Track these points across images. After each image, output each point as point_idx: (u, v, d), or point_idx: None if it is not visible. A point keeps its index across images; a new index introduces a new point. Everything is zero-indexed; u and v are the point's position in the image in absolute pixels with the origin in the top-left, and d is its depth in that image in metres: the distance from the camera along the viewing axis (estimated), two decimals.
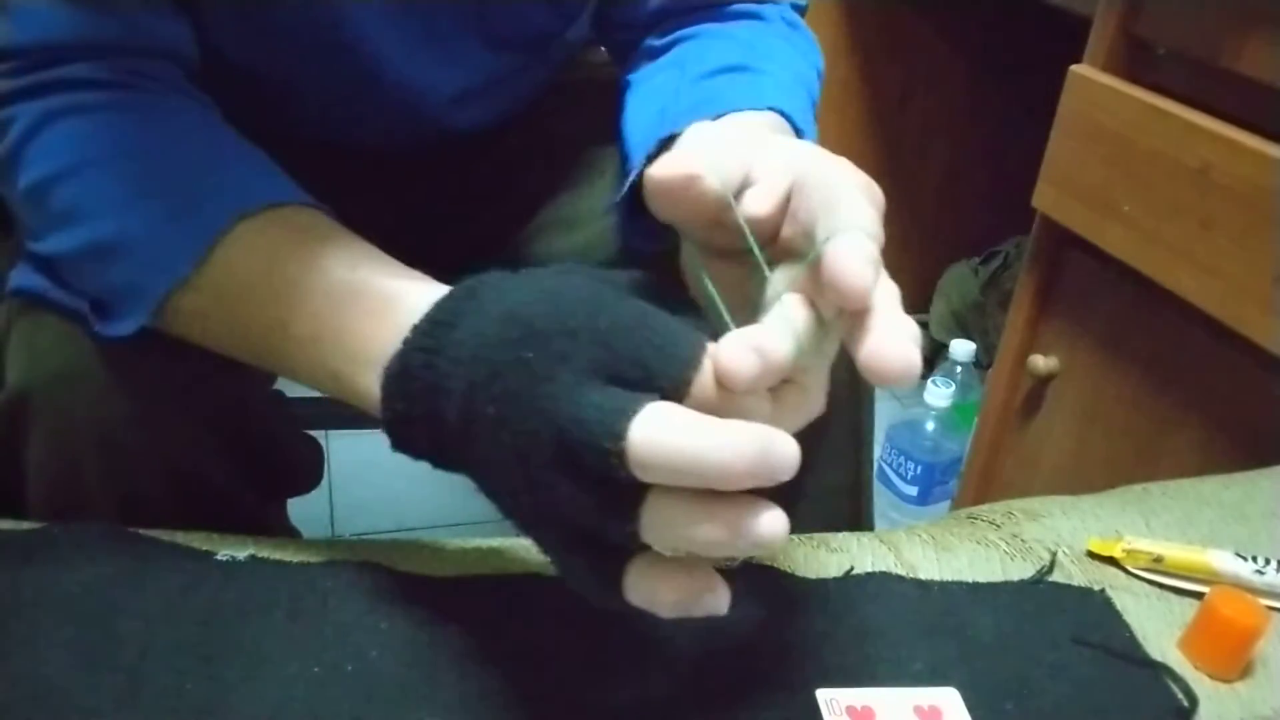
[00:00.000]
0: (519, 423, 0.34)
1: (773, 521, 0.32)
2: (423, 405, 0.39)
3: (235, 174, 0.48)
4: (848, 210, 0.36)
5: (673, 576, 0.34)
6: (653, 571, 0.34)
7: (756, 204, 0.39)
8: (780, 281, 0.37)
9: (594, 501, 0.33)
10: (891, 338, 0.34)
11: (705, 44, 0.60)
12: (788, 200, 0.39)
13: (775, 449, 0.31)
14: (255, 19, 0.56)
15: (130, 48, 0.49)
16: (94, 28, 0.48)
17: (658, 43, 0.63)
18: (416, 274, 0.44)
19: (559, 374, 0.34)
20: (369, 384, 0.41)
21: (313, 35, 0.57)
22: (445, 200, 0.73)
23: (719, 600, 0.34)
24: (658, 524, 0.33)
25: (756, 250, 0.37)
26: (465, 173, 0.72)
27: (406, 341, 0.39)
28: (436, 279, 0.48)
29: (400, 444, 0.41)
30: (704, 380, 0.33)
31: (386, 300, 0.42)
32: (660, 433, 0.31)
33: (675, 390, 0.33)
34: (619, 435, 0.32)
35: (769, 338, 0.33)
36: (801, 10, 0.66)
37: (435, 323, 0.39)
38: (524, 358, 0.34)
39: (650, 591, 0.34)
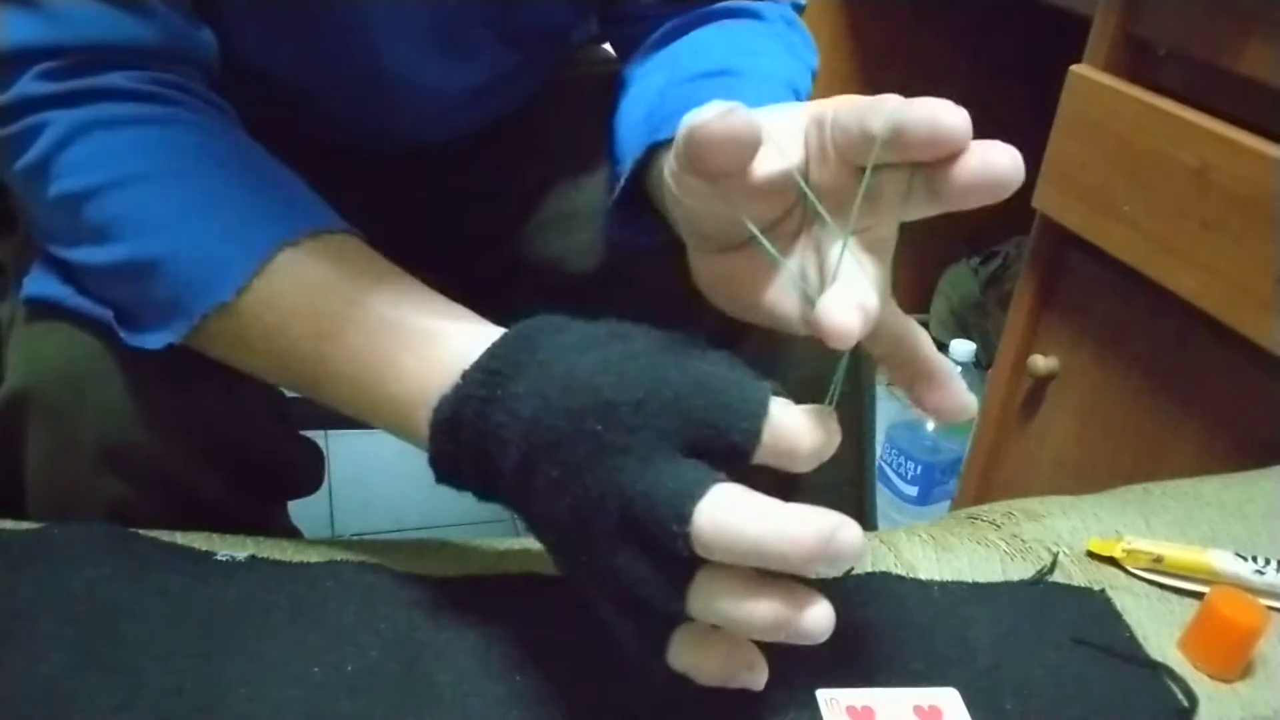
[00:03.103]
0: (583, 490, 0.35)
1: (818, 617, 0.33)
2: (472, 450, 0.39)
3: (277, 198, 0.47)
4: (874, 103, 0.35)
5: (716, 649, 0.35)
6: (697, 642, 0.35)
7: (789, 138, 0.39)
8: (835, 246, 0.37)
9: (649, 573, 0.34)
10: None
11: (696, 45, 0.59)
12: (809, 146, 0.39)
13: (838, 538, 0.31)
14: (272, 22, 0.56)
15: (166, 54, 0.49)
16: (133, 31, 0.47)
17: (652, 40, 0.63)
18: (458, 309, 0.44)
19: (629, 446, 0.34)
20: (411, 421, 0.42)
21: (329, 36, 0.57)
22: (444, 197, 0.73)
23: (758, 677, 0.35)
24: (706, 599, 0.34)
25: (818, 204, 0.38)
26: (464, 170, 0.72)
27: (458, 388, 0.39)
28: (437, 277, 0.48)
29: (445, 480, 0.42)
30: (774, 426, 0.35)
31: (428, 339, 0.42)
32: (726, 517, 0.32)
33: (748, 442, 0.34)
34: (685, 518, 0.33)
35: (860, 291, 0.34)
36: (800, 9, 0.65)
37: (490, 372, 0.39)
38: (592, 429, 0.35)
39: (693, 662, 0.35)
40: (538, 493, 0.37)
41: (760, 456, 0.35)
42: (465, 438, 0.39)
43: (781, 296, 0.41)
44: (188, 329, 0.45)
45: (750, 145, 0.36)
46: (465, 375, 0.39)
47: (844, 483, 0.68)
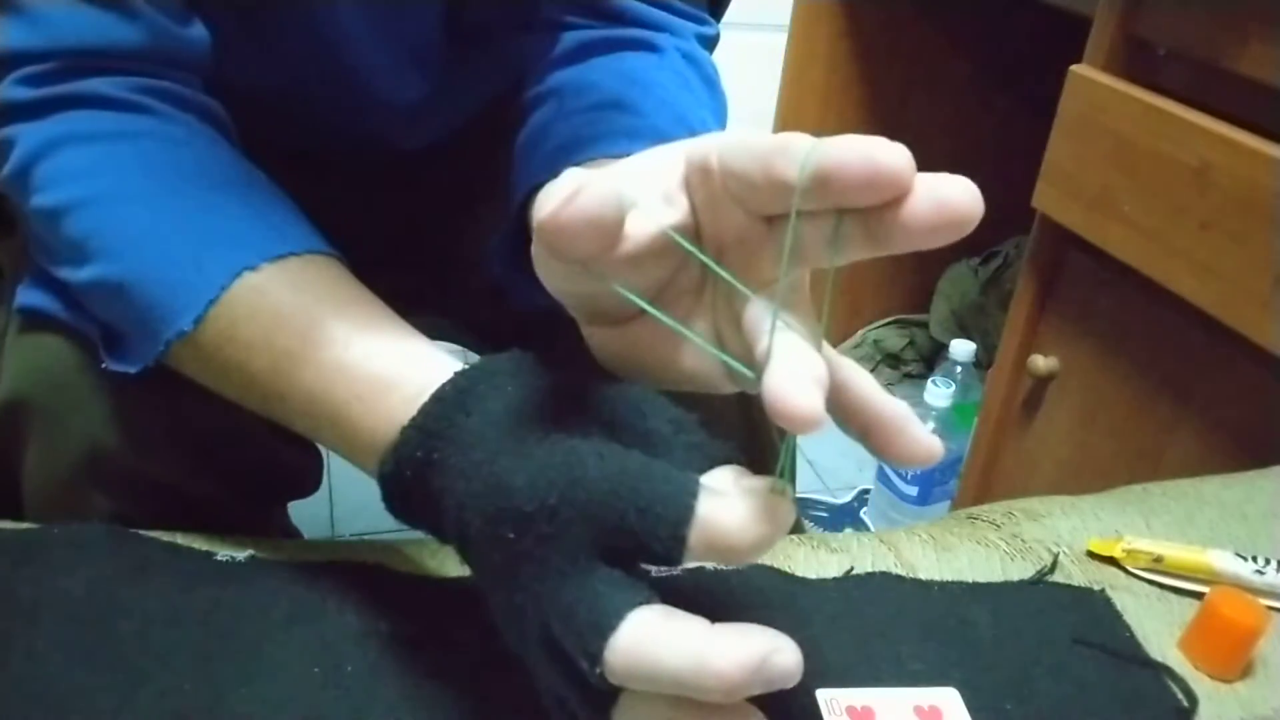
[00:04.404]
0: (505, 594, 0.34)
1: None
2: (420, 505, 0.38)
3: (245, 218, 0.46)
4: (779, 146, 0.30)
5: None
6: None
7: (659, 207, 0.34)
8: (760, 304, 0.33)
9: (571, 690, 0.33)
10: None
11: (583, 76, 0.56)
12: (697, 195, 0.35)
13: (770, 665, 0.29)
14: (238, 23, 0.55)
15: (152, 56, 0.48)
16: (117, 34, 0.46)
17: (553, 59, 0.59)
18: (414, 347, 0.42)
19: (544, 556, 0.32)
20: (364, 466, 0.41)
21: (293, 36, 0.56)
22: (420, 203, 0.72)
23: None
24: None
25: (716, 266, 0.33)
26: (439, 175, 0.71)
27: (398, 447, 0.38)
28: (416, 281, 0.46)
29: (399, 520, 0.41)
30: (703, 528, 0.31)
31: (378, 388, 0.41)
32: (642, 652, 0.30)
33: (670, 552, 0.31)
34: (597, 656, 0.30)
35: (808, 360, 0.29)
36: (710, 41, 0.62)
37: (425, 432, 0.37)
38: (505, 536, 0.33)
39: None
40: (473, 568, 0.36)
41: (691, 559, 0.32)
42: (411, 493, 0.38)
43: (699, 359, 0.37)
44: (156, 355, 0.44)
45: (612, 224, 0.32)
46: (403, 432, 0.38)
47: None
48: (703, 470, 0.34)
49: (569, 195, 0.30)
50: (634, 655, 0.30)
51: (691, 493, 0.31)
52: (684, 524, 0.31)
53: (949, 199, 0.28)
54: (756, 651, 0.29)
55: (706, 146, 0.33)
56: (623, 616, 0.31)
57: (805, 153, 0.29)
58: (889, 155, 0.28)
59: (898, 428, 0.33)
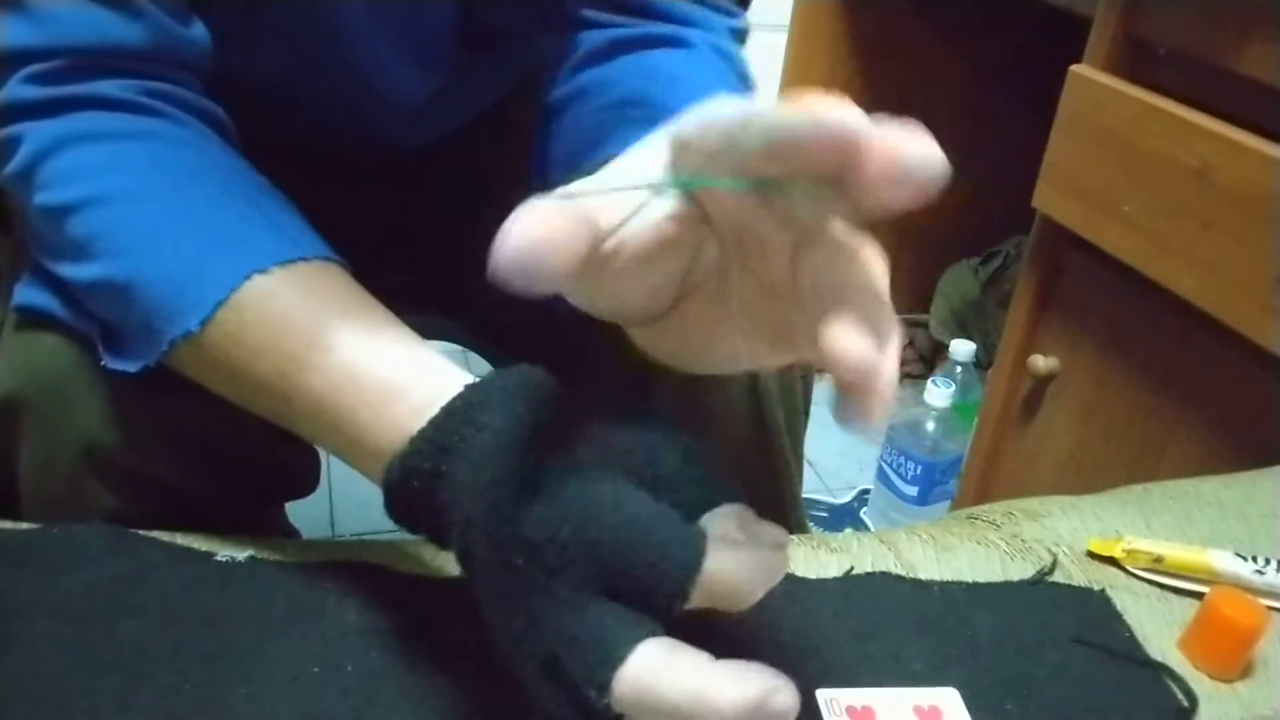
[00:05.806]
0: (506, 621, 0.34)
1: None
2: (423, 514, 0.38)
3: (253, 222, 0.46)
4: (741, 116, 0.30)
5: None
6: None
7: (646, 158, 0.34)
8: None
9: (573, 714, 0.33)
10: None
11: (610, 74, 0.56)
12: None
13: (770, 705, 0.30)
14: (248, 22, 0.55)
15: (156, 57, 0.48)
16: (121, 33, 0.46)
17: (577, 58, 0.58)
18: (421, 355, 0.42)
19: (550, 586, 0.33)
20: (369, 472, 0.41)
21: (297, 33, 0.56)
22: (421, 202, 0.72)
23: None
24: None
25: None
26: (438, 174, 0.71)
27: (405, 456, 0.38)
28: (417, 281, 0.46)
29: (401, 526, 0.41)
30: (707, 580, 0.33)
31: (386, 395, 0.40)
32: (648, 684, 0.31)
33: (672, 606, 0.33)
34: (605, 686, 0.31)
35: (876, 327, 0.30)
36: (741, 35, 0.61)
37: (434, 444, 0.37)
38: (513, 562, 0.34)
39: None
40: (473, 583, 0.37)
41: (692, 605, 0.33)
42: (415, 501, 0.38)
43: (737, 340, 0.37)
44: (158, 355, 0.44)
45: (567, 238, 0.30)
46: (413, 442, 0.38)
47: (756, 478, 0.62)
48: (709, 507, 0.35)
49: (503, 234, 0.30)
50: (640, 687, 0.31)
51: (700, 550, 0.33)
52: (689, 583, 0.33)
53: (904, 155, 0.28)
54: (756, 691, 0.30)
55: (685, 129, 0.33)
56: (631, 648, 0.32)
57: (759, 124, 0.29)
58: (835, 116, 0.27)
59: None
